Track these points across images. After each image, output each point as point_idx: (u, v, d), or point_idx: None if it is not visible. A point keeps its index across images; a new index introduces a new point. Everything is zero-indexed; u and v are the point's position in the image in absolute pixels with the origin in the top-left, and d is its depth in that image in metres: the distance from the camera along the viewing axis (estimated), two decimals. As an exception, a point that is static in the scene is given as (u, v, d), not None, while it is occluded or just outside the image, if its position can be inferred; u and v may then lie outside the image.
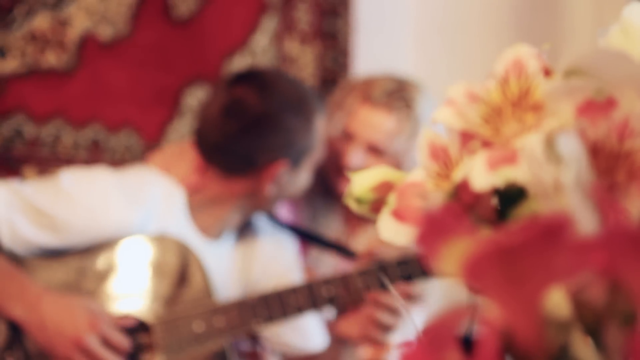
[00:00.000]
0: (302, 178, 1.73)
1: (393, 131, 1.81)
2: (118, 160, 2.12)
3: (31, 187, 1.60)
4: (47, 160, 2.09)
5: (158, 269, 1.63)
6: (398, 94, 1.83)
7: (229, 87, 1.70)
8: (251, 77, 1.71)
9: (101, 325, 1.52)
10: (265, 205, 1.73)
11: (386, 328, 1.65)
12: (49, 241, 1.58)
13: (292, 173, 1.69)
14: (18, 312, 1.52)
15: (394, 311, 1.64)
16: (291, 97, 1.68)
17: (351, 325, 1.70)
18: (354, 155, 1.82)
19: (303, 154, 1.69)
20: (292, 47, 2.30)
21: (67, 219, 1.57)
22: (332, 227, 1.93)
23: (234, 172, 1.68)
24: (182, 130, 2.21)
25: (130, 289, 1.62)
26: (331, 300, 1.62)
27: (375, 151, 1.83)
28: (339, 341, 1.74)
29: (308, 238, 1.86)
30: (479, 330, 0.38)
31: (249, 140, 1.65)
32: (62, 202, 1.57)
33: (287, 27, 2.29)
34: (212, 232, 1.72)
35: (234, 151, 1.66)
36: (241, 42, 2.26)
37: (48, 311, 1.51)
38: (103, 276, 1.61)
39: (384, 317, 1.64)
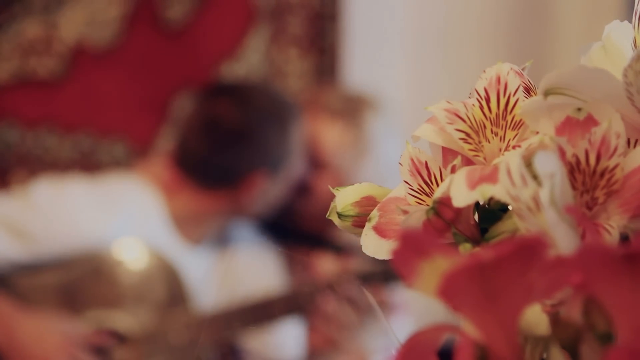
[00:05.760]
0: (287, 178, 1.73)
1: (335, 143, 1.73)
2: (107, 168, 2.12)
3: (2, 200, 1.59)
4: (36, 168, 2.09)
5: (136, 281, 1.63)
6: (345, 107, 1.75)
7: (207, 102, 1.71)
8: (228, 91, 1.73)
9: (72, 347, 1.50)
10: (250, 215, 1.74)
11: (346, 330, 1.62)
12: (21, 255, 1.56)
13: (273, 181, 1.70)
14: None
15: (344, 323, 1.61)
16: (267, 108, 1.69)
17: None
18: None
19: (281, 163, 1.69)
20: (284, 56, 2.30)
21: (39, 231, 1.56)
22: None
23: (215, 186, 1.68)
24: (171, 138, 2.22)
25: (108, 301, 1.61)
26: (311, 309, 1.62)
27: (315, 165, 1.75)
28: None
29: (299, 239, 1.85)
30: (455, 346, 0.38)
31: (228, 154, 1.66)
32: (34, 214, 1.56)
33: (278, 36, 2.29)
34: (193, 237, 1.72)
35: (214, 165, 1.67)
36: (232, 51, 2.26)
37: (19, 332, 1.49)
38: (79, 289, 1.60)
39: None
